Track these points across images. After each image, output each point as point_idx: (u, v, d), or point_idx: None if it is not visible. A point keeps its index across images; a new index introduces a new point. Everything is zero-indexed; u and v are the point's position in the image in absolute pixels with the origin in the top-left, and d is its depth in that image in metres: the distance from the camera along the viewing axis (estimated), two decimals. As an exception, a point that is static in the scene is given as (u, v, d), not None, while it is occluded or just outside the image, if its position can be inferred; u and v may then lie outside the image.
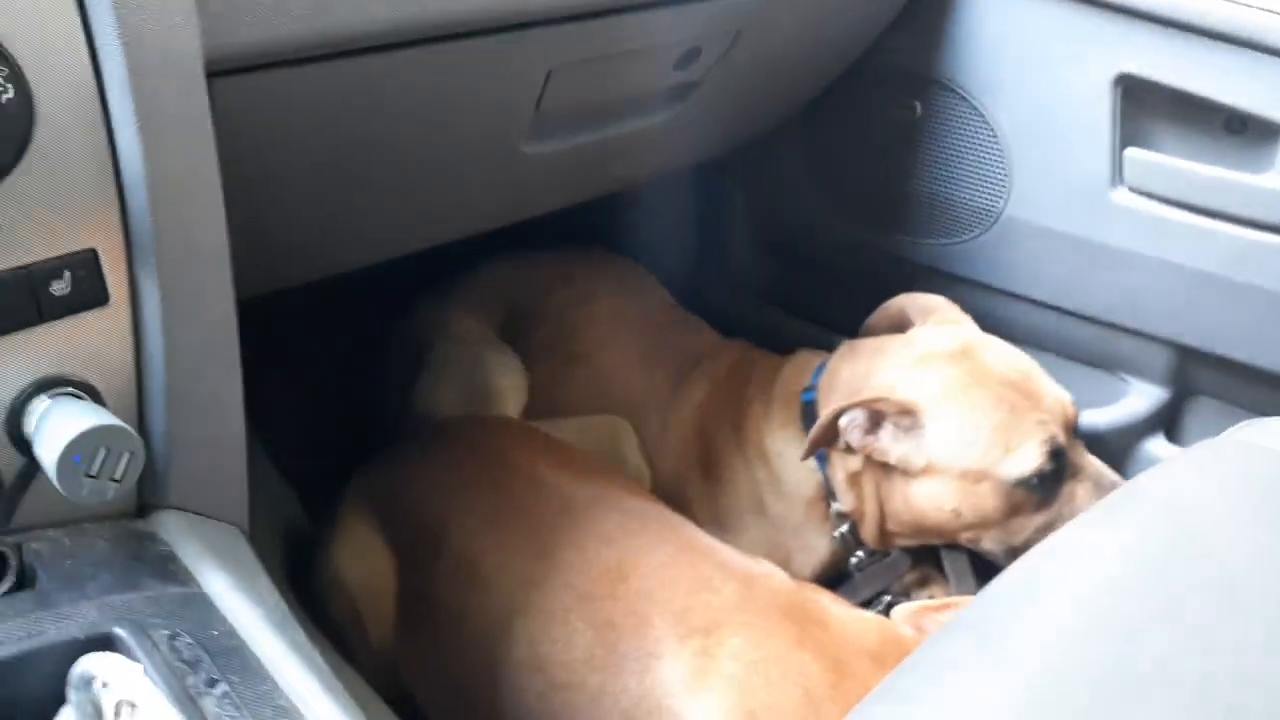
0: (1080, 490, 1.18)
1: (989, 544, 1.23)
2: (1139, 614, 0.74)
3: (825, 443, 1.22)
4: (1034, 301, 1.41)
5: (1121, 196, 1.29)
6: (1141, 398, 1.40)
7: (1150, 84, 1.23)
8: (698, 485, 1.39)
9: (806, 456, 1.25)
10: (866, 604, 1.30)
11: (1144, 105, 1.25)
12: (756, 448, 1.35)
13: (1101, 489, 1.17)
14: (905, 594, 1.40)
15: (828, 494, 1.31)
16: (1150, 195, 1.27)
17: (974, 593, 1.31)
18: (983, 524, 1.20)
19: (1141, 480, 0.93)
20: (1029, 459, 1.16)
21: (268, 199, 0.85)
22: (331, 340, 1.62)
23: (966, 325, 1.29)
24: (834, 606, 1.06)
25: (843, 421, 1.19)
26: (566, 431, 1.33)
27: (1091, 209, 1.31)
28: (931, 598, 1.40)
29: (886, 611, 1.32)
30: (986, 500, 1.18)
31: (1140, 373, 1.39)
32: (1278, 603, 0.76)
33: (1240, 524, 0.83)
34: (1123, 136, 1.27)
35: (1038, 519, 1.19)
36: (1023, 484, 1.16)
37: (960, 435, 1.17)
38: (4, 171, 0.62)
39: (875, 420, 1.19)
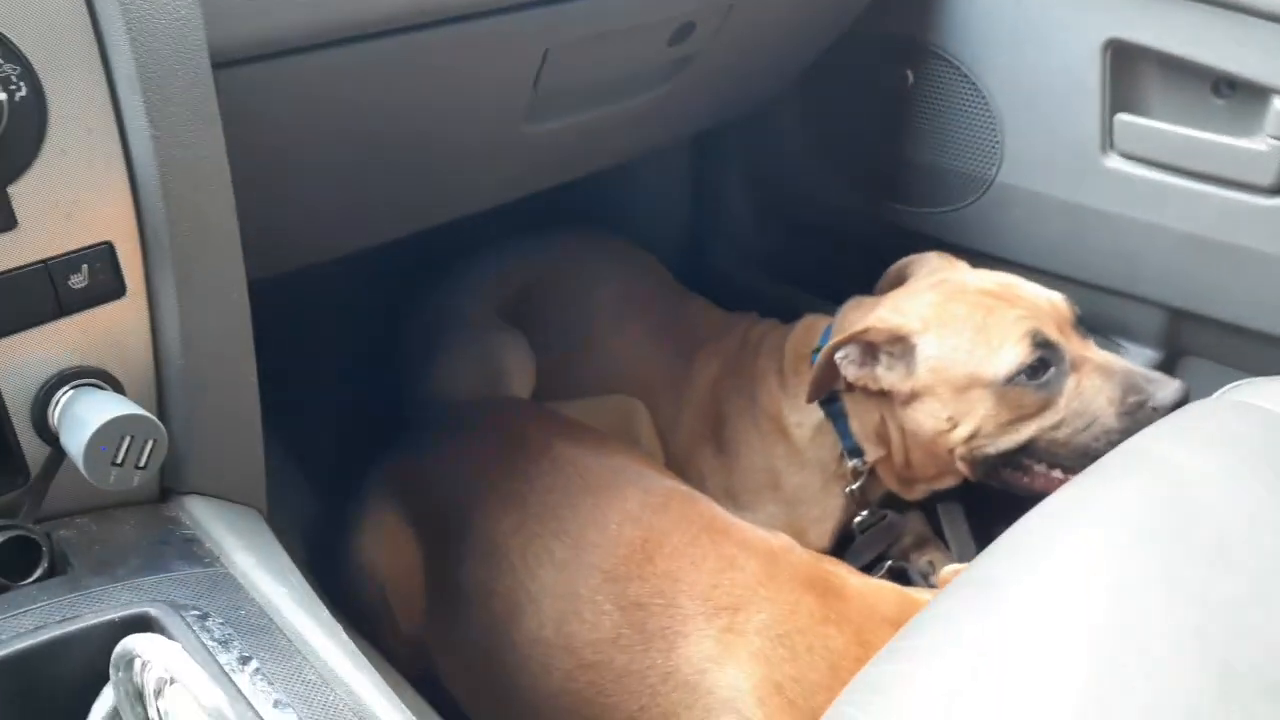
0: (1087, 383, 1.17)
1: (994, 450, 1.21)
2: (1135, 570, 0.76)
3: (826, 382, 1.25)
4: (1026, 267, 1.42)
5: (1112, 161, 1.30)
6: (1135, 360, 1.42)
7: (1139, 49, 1.24)
8: (711, 461, 1.41)
9: (810, 399, 1.28)
10: (868, 568, 1.33)
11: (1133, 70, 1.27)
12: (774, 420, 1.37)
13: (1111, 377, 1.16)
14: (904, 557, 1.43)
15: (845, 453, 1.33)
16: (1140, 160, 1.29)
17: (972, 551, 1.34)
18: (984, 433, 1.20)
19: (1137, 439, 0.95)
20: (1013, 354, 1.16)
21: (276, 184, 0.86)
22: (343, 325, 1.63)
23: (959, 267, 1.32)
24: (852, 577, 1.08)
25: (838, 356, 1.22)
26: (578, 412, 1.34)
27: (1082, 174, 1.33)
28: (930, 562, 1.43)
29: (888, 575, 1.35)
30: (979, 406, 1.19)
31: (1133, 335, 1.41)
32: (1271, 558, 0.78)
33: (1234, 481, 0.85)
34: (1113, 102, 1.28)
35: (1046, 418, 1.18)
36: (1013, 381, 1.17)
37: (943, 347, 1.19)
38: (21, 169, 0.63)
39: (870, 353, 1.22)
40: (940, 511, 1.41)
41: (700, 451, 1.42)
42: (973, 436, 1.21)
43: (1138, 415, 1.14)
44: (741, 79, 1.36)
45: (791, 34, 1.34)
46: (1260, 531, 0.80)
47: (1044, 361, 1.17)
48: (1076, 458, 1.18)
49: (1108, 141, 1.29)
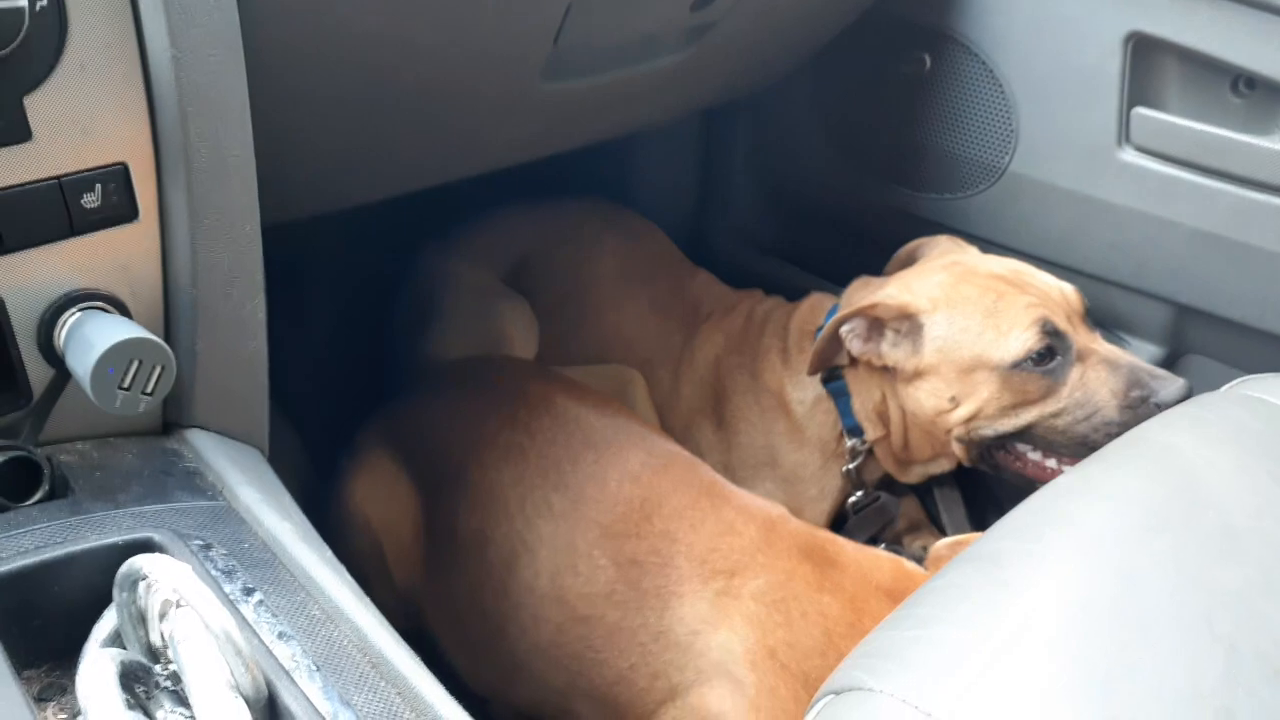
0: (1092, 374, 1.17)
1: (992, 432, 1.21)
2: (1143, 552, 0.76)
3: (829, 355, 1.25)
4: (1034, 257, 1.42)
5: (1127, 155, 1.30)
6: (1137, 356, 1.42)
7: (1161, 42, 1.23)
8: (710, 436, 1.40)
9: (811, 372, 1.28)
10: (860, 550, 1.32)
11: (1153, 64, 1.26)
12: (776, 397, 1.37)
13: (1116, 370, 1.17)
14: (897, 541, 1.43)
15: (844, 432, 1.32)
16: (1155, 154, 1.28)
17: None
18: (984, 415, 1.20)
19: (1145, 428, 0.94)
20: (1020, 340, 1.16)
21: (291, 124, 0.84)
22: (338, 285, 1.61)
23: (970, 251, 1.31)
24: (848, 546, 1.08)
25: (843, 330, 1.22)
26: (576, 377, 1.33)
27: (1096, 167, 1.32)
28: (924, 547, 1.43)
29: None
30: (983, 388, 1.19)
31: (1137, 330, 1.41)
32: (1276, 547, 0.78)
33: (1242, 473, 0.85)
34: (1131, 95, 1.28)
35: (1048, 405, 1.18)
36: (1019, 366, 1.17)
37: (951, 328, 1.19)
38: (38, 80, 0.61)
39: (876, 329, 1.22)
40: (937, 497, 1.41)
41: (699, 426, 1.42)
42: (973, 418, 1.20)
43: (1139, 410, 1.15)
44: (758, 51, 1.35)
45: (812, 9, 1.33)
46: (1267, 523, 0.80)
47: (1051, 349, 1.17)
48: (1074, 446, 1.18)
49: (1124, 135, 1.29)
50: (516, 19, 0.94)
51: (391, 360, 1.52)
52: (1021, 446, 1.23)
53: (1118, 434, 1.12)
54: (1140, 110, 1.27)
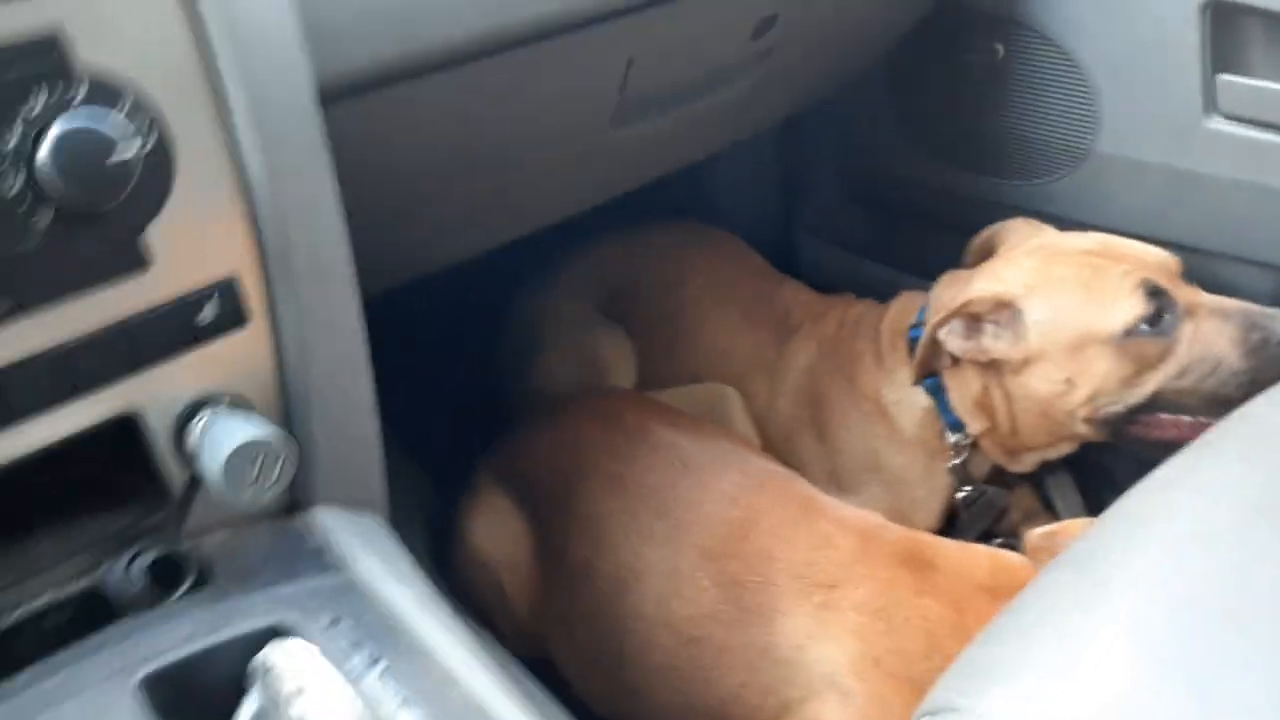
0: (1206, 326, 1.15)
1: (1122, 407, 1.19)
2: (1245, 549, 0.76)
3: (931, 362, 1.25)
4: (1129, 235, 1.39)
5: (1215, 123, 1.27)
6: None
7: (1240, 6, 1.20)
8: (812, 447, 1.42)
9: (916, 381, 1.28)
10: (975, 545, 1.32)
11: (1234, 29, 1.23)
12: (873, 401, 1.37)
13: (1229, 318, 1.14)
14: (1013, 533, 1.42)
15: (946, 429, 1.32)
16: (1245, 120, 1.25)
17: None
18: (1105, 391, 1.18)
19: (1253, 405, 0.93)
20: (1128, 306, 1.14)
21: (383, 206, 0.90)
22: (450, 329, 1.69)
23: (1048, 232, 1.30)
24: (944, 547, 1.09)
25: (941, 334, 1.21)
26: (670, 400, 1.37)
27: (1184, 138, 1.30)
28: (1043, 537, 1.42)
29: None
30: (1097, 364, 1.17)
31: (1243, 299, 1.37)
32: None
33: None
34: (1214, 63, 1.25)
35: (1169, 367, 1.15)
36: (1130, 334, 1.15)
37: (1052, 309, 1.18)
38: (151, 214, 0.68)
39: (973, 325, 1.22)
40: (1050, 485, 1.40)
41: (799, 437, 1.43)
42: (1094, 396, 1.18)
43: (1264, 353, 1.12)
44: (824, 64, 1.37)
45: (874, 16, 1.34)
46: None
47: (1159, 311, 1.14)
48: (1206, 405, 1.15)
49: (1210, 103, 1.26)
50: (583, 79, 0.98)
51: (501, 394, 1.58)
52: (1150, 416, 1.20)
53: (1247, 382, 1.11)
54: (1225, 77, 1.24)
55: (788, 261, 1.68)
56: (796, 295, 1.56)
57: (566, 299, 1.59)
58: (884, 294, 1.48)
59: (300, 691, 0.56)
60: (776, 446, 1.44)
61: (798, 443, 1.43)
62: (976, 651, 0.72)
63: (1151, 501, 0.83)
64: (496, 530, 1.24)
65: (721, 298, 1.55)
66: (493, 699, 0.61)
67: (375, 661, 0.63)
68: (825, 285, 1.58)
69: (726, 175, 1.84)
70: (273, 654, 0.56)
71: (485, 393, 1.62)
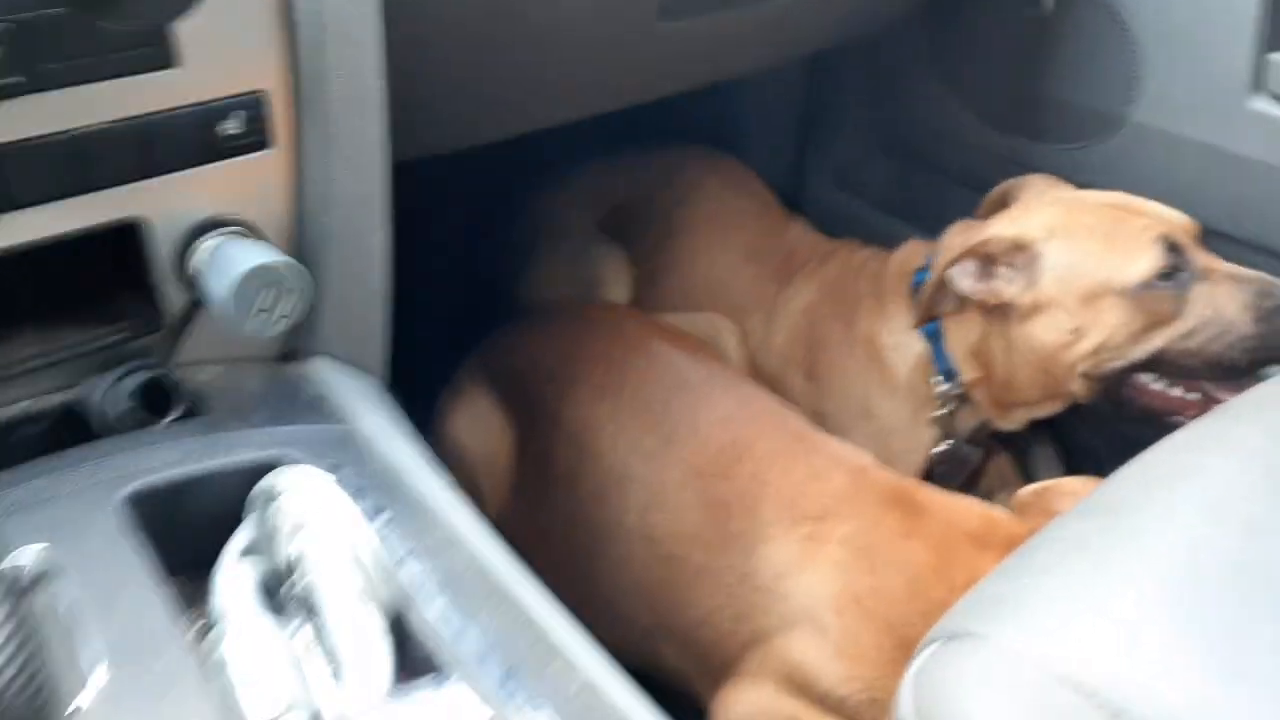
0: (1220, 289, 1.13)
1: (1123, 363, 1.17)
2: (1266, 509, 0.74)
3: (935, 304, 1.22)
4: (1152, 209, 1.38)
5: (1259, 103, 1.24)
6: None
7: (1304, -16, 1.17)
8: (800, 387, 1.39)
9: (918, 323, 1.25)
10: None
11: (1295, 8, 1.20)
12: (869, 345, 1.35)
13: (1243, 284, 1.13)
14: (988, 498, 1.41)
15: (940, 376, 1.29)
16: (1292, 103, 1.22)
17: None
18: (1112, 344, 1.16)
19: (1267, 387, 0.91)
20: (1145, 259, 1.12)
21: (417, 58, 0.85)
22: (445, 228, 1.64)
23: (1066, 188, 1.28)
24: (936, 494, 1.07)
25: (952, 272, 1.19)
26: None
27: (1225, 116, 1.26)
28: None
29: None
30: (1109, 315, 1.15)
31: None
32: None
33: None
34: (1267, 40, 1.22)
35: (1178, 326, 1.14)
36: (1147, 287, 1.13)
37: (1071, 255, 1.15)
38: (184, 7, 0.62)
39: (987, 266, 1.19)
40: (1035, 456, 1.38)
41: (791, 376, 1.41)
42: (1100, 349, 1.16)
43: (1275, 321, 1.10)
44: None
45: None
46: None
47: (1176, 267, 1.12)
48: (1209, 369, 1.14)
49: (1258, 82, 1.23)
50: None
51: (493, 298, 1.54)
52: (1145, 378, 1.18)
53: (1255, 349, 1.10)
54: (1275, 56, 1.21)
55: (799, 203, 1.64)
56: (803, 235, 1.53)
57: (570, 211, 1.54)
58: (893, 245, 1.44)
59: (301, 527, 0.52)
60: (767, 384, 1.40)
61: (788, 382, 1.40)
62: (994, 582, 0.70)
63: (1174, 460, 0.81)
64: (477, 427, 1.21)
65: (727, 228, 1.51)
66: (494, 561, 0.58)
67: (379, 511, 0.59)
68: (834, 232, 1.55)
69: (747, 112, 1.79)
70: (280, 479, 0.51)
71: (478, 296, 1.57)
